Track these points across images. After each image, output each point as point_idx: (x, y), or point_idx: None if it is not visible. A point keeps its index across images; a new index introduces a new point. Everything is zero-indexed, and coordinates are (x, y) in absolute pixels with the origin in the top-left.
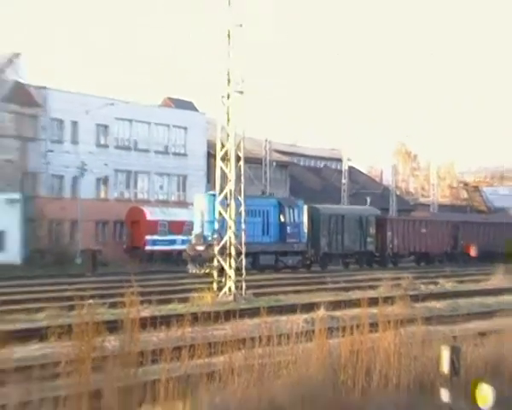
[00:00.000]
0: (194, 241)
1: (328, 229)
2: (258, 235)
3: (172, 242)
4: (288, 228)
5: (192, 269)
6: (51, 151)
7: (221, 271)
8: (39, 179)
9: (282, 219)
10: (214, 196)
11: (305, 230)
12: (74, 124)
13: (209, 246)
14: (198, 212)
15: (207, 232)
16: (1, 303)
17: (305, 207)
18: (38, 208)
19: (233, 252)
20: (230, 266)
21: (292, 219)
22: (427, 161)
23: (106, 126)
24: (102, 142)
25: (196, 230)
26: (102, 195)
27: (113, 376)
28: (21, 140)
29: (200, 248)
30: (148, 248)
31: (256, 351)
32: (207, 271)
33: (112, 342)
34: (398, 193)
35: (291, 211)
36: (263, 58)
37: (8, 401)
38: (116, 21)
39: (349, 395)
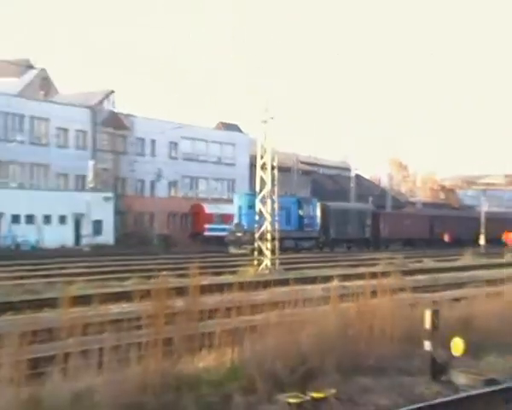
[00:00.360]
0: (233, 228)
1: (335, 220)
2: (283, 224)
3: (223, 229)
4: (305, 219)
5: (232, 250)
6: (136, 162)
7: (260, 251)
8: (127, 182)
9: (301, 213)
10: (249, 195)
11: (318, 221)
12: (152, 142)
13: (245, 232)
14: (237, 207)
15: (244, 222)
16: (100, 273)
17: (319, 204)
18: (126, 204)
19: (269, 237)
20: (267, 247)
21: (308, 213)
22: (414, 170)
23: (175, 143)
24: (173, 155)
25: (235, 220)
26: (173, 194)
27: (180, 328)
28: (114, 154)
29: (239, 234)
30: (206, 233)
31: (286, 311)
32: (244, 251)
33: (179, 302)
34: (392, 194)
35: (307, 207)
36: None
37: (105, 344)
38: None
39: (356, 344)
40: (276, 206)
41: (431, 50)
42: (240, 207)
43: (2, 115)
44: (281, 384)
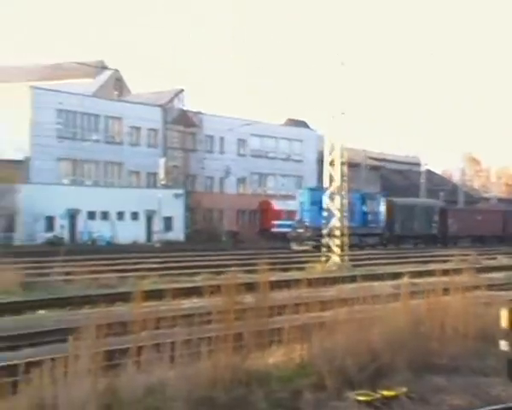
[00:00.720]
0: (295, 225)
1: (401, 216)
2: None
3: (290, 225)
4: (369, 215)
5: (294, 246)
6: (205, 159)
7: (328, 247)
8: (197, 179)
9: (365, 209)
10: (311, 191)
11: (383, 217)
12: (221, 139)
13: (306, 228)
14: (299, 203)
15: (305, 218)
16: (171, 268)
17: (383, 200)
18: (196, 200)
19: (337, 233)
20: (336, 244)
21: (372, 209)
22: (488, 165)
23: (244, 140)
24: (242, 152)
25: (297, 216)
26: (241, 191)
27: (250, 323)
28: (184, 151)
29: (300, 230)
30: (274, 230)
31: (355, 308)
32: (306, 247)
33: (249, 298)
34: (465, 190)
35: (372, 203)
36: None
37: (177, 338)
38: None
39: (427, 342)
40: (345, 202)
41: (432, 51)
42: (302, 204)
43: (78, 115)
44: (350, 381)
